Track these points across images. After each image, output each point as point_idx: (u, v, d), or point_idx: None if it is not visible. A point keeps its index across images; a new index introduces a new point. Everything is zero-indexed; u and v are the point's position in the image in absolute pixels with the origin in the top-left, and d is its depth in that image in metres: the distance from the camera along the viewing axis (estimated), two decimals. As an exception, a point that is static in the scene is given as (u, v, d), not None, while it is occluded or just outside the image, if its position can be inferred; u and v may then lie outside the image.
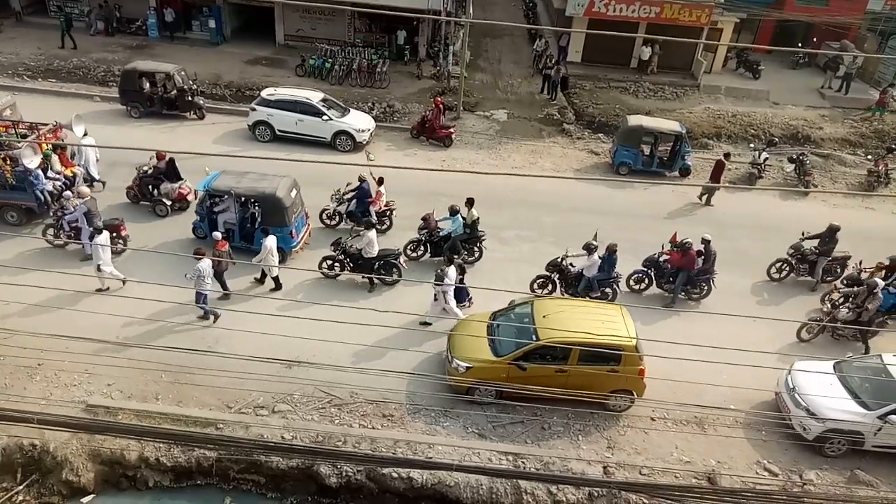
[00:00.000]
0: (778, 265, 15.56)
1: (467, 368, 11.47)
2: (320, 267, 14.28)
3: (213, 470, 10.67)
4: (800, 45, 28.85)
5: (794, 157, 20.72)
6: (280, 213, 14.11)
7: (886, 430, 10.81)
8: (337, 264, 14.29)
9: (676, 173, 20.29)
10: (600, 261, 13.95)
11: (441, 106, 21.28)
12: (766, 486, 10.40)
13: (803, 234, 15.44)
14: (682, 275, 14.20)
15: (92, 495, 10.50)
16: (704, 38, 26.77)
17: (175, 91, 20.87)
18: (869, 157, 22.22)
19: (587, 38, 27.39)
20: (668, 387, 11.44)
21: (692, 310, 14.36)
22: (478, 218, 15.18)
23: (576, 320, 11.56)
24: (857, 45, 29.20)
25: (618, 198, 18.76)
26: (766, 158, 20.37)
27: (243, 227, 14.64)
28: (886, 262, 14.19)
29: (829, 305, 14.10)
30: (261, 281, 14.17)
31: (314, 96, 20.21)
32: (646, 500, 10.04)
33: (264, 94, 20.29)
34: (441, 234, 15.02)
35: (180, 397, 11.42)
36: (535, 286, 14.45)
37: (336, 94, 22.08)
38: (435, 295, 13.11)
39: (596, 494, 10.02)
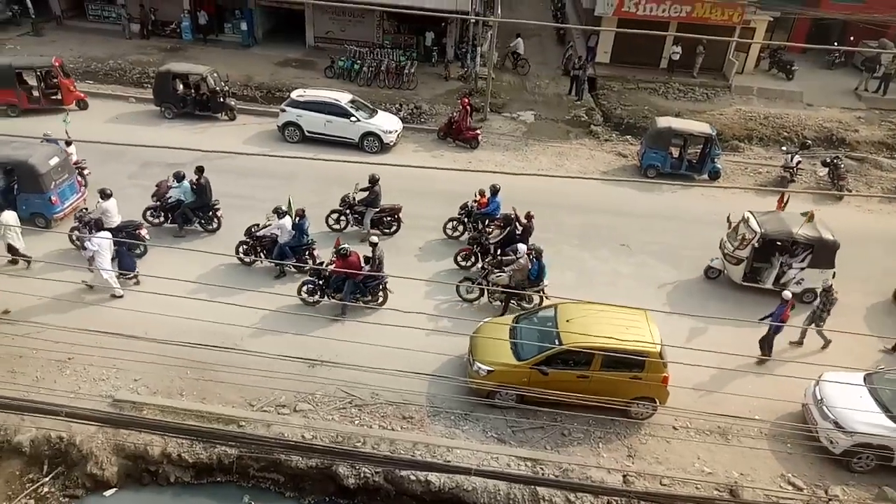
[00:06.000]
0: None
1: (488, 372, 11.46)
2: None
3: (233, 467, 10.88)
4: (835, 43, 28.04)
5: (828, 160, 20.18)
6: (35, 179, 14.68)
7: (919, 445, 10.50)
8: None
9: (706, 177, 19.96)
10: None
11: (468, 107, 21.28)
12: (790, 501, 10.18)
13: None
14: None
15: (114, 489, 10.77)
16: (737, 38, 26.23)
17: (207, 92, 21.30)
18: (908, 161, 21.55)
19: (616, 39, 27.06)
20: (690, 395, 11.27)
21: (711, 317, 14.05)
22: (207, 184, 15.29)
23: (599, 325, 11.46)
24: (896, 44, 28.25)
25: (644, 200, 18.54)
26: (799, 162, 19.91)
27: (6, 194, 15.07)
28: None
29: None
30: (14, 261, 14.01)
31: (343, 98, 20.42)
32: (665, 511, 9.90)
33: (294, 95, 20.57)
34: (171, 201, 15.22)
35: (204, 394, 11.67)
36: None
37: (364, 96, 22.26)
38: (92, 256, 13.08)
39: (615, 503, 9.93)
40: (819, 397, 11.32)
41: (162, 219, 15.62)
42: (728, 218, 15.30)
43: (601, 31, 26.60)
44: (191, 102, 21.36)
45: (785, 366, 12.55)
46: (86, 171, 16.67)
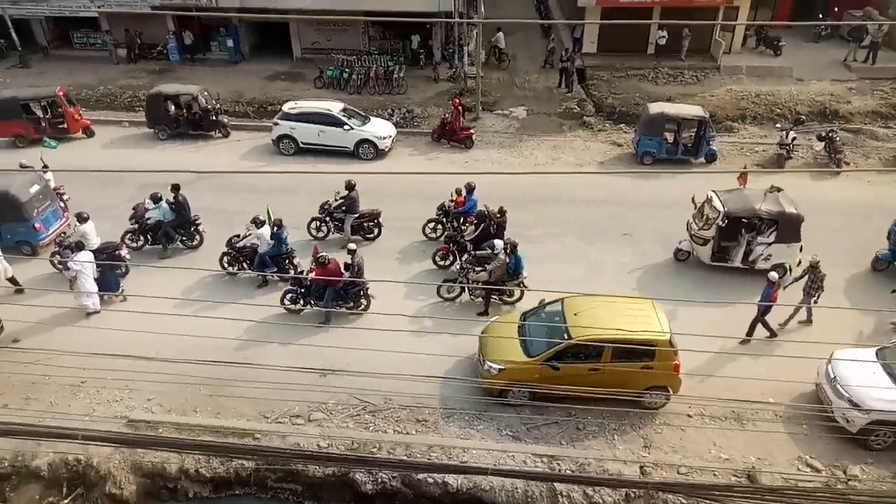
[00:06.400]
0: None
1: (500, 370, 11.47)
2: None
3: (250, 480, 10.94)
4: (820, 16, 27.92)
5: (824, 134, 20.11)
6: (17, 208, 14.78)
7: (936, 418, 10.44)
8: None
9: (703, 160, 19.93)
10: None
11: (460, 107, 21.28)
12: (809, 483, 10.14)
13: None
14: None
15: (134, 508, 10.81)
16: (721, 18, 26.15)
17: (199, 112, 21.35)
18: (903, 129, 21.48)
19: (602, 28, 26.96)
20: (703, 382, 11.25)
21: (714, 301, 14.03)
22: (185, 201, 15.41)
23: (607, 317, 11.39)
24: (881, 12, 28.11)
25: (644, 188, 18.52)
26: (795, 138, 19.85)
27: None
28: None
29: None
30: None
31: (334, 107, 20.45)
32: (684, 501, 9.88)
33: (286, 108, 20.61)
34: (150, 222, 15.25)
35: (218, 409, 11.72)
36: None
37: (355, 103, 22.30)
38: (75, 276, 13.20)
39: (633, 495, 9.92)
40: (832, 376, 11.25)
41: (142, 241, 15.62)
42: (693, 199, 15.28)
43: (583, 23, 26.60)
44: (184, 122, 21.43)
45: (783, 346, 12.55)
46: (65, 197, 16.68)
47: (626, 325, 11.13)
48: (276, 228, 14.31)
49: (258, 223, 14.24)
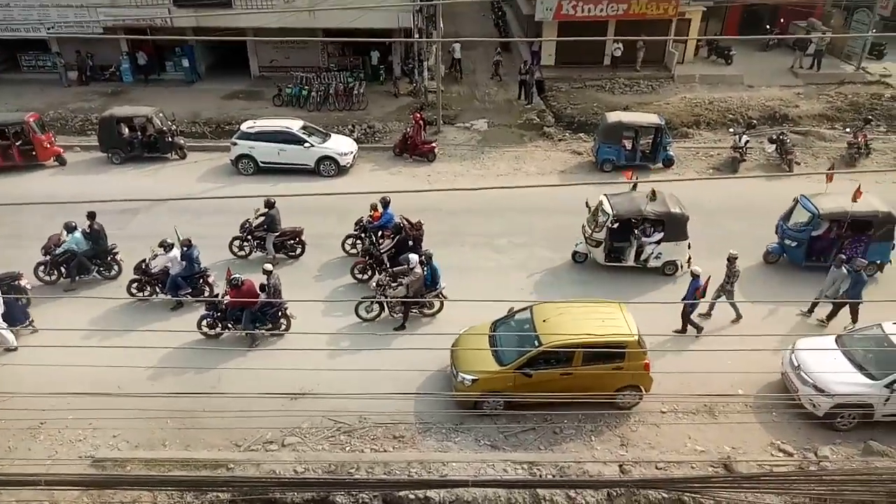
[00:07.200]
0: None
1: (473, 381, 11.42)
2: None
3: (227, 511, 10.55)
4: (768, 27, 29.21)
5: (775, 137, 20.90)
6: None
7: (895, 398, 10.82)
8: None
9: (660, 165, 20.45)
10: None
11: (421, 121, 21.37)
12: (783, 467, 10.38)
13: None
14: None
15: (105, 550, 10.31)
16: (673, 30, 27.05)
17: (154, 133, 20.90)
18: (847, 129, 22.44)
19: (559, 41, 27.60)
20: (674, 379, 11.43)
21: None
22: (101, 229, 14.86)
23: (576, 321, 11.57)
24: (823, 22, 29.56)
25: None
26: (748, 141, 20.56)
27: None
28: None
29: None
30: None
31: (294, 125, 20.28)
32: (665, 495, 9.98)
33: (244, 127, 20.33)
34: (58, 253, 14.59)
35: (188, 441, 11.30)
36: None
37: (315, 121, 22.16)
38: None
39: (615, 494, 9.94)
40: (796, 364, 11.61)
41: (56, 275, 14.81)
42: (587, 202, 15.68)
43: (541, 41, 27.18)
44: (138, 145, 20.93)
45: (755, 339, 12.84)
46: None
47: (595, 329, 11.28)
48: (185, 248, 13.99)
49: (167, 246, 13.86)
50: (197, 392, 11.34)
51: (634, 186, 16.00)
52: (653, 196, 15.04)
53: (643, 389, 11.56)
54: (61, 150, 21.05)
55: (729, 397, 11.70)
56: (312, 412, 11.48)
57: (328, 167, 20.09)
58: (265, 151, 19.91)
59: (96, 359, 10.21)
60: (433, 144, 21.33)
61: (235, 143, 20.06)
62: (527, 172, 20.48)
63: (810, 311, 13.87)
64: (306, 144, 19.86)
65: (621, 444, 11.14)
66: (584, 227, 15.62)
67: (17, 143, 20.24)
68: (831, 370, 11.03)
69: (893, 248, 14.86)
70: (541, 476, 10.36)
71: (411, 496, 10.30)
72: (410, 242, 14.72)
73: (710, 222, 16.59)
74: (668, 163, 20.51)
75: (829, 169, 17.88)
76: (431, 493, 10.28)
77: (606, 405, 11.35)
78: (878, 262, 14.92)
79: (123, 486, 9.84)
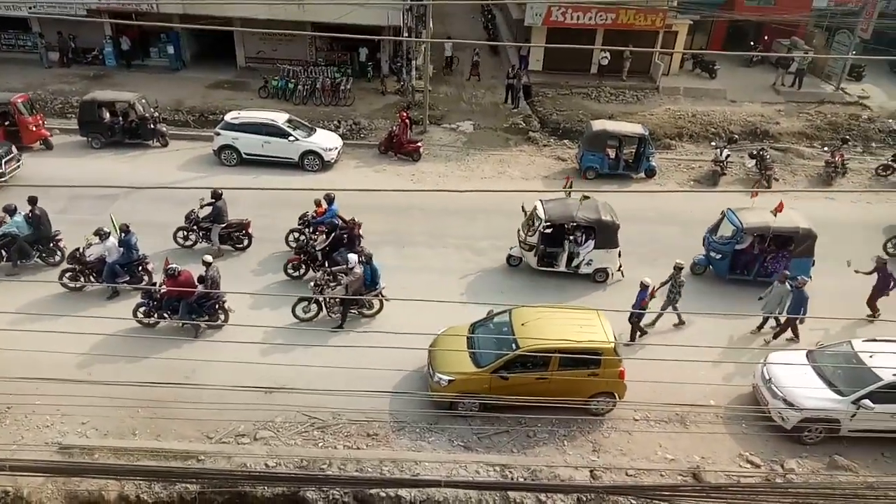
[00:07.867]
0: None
1: (449, 381, 11.44)
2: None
3: (196, 503, 10.41)
4: (752, 43, 29.71)
5: (755, 152, 21.24)
6: None
7: (861, 414, 11.07)
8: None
9: (643, 175, 20.67)
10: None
11: (407, 120, 21.33)
12: (750, 478, 10.56)
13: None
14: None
15: (70, 540, 10.12)
16: (660, 42, 27.38)
17: (136, 119, 20.58)
18: (825, 148, 22.91)
19: (547, 47, 27.78)
20: (648, 387, 11.56)
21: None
22: (43, 215, 14.68)
23: (554, 327, 11.61)
24: (805, 42, 30.15)
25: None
26: (728, 155, 20.85)
27: None
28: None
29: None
30: None
31: (279, 117, 20.11)
32: (634, 501, 10.10)
33: (228, 117, 20.12)
34: (1, 235, 14.37)
35: (158, 431, 11.17)
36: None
37: (301, 114, 22.01)
38: None
39: (585, 499, 10.05)
40: (767, 377, 11.83)
41: None
42: (522, 207, 15.83)
43: (529, 46, 27.32)
44: (119, 131, 20.59)
45: (729, 351, 13.06)
46: None
47: (573, 335, 11.34)
48: (123, 235, 13.82)
49: (102, 235, 13.66)
50: (171, 382, 11.15)
51: (569, 193, 16.17)
52: (584, 198, 15.29)
53: (617, 396, 11.68)
54: (48, 134, 20.59)
55: (701, 407, 11.88)
56: (287, 407, 11.41)
57: (312, 161, 19.98)
58: (249, 143, 19.72)
59: (32, 344, 10.04)
60: (419, 144, 21.31)
61: (219, 134, 19.84)
62: (511, 176, 20.56)
63: (760, 327, 14.17)
64: (291, 138, 19.71)
65: (593, 450, 11.25)
66: (518, 231, 15.75)
67: (5, 124, 19.72)
68: (801, 385, 11.25)
69: (814, 265, 15.04)
70: (512, 479, 10.43)
71: (382, 494, 10.32)
72: (345, 240, 14.56)
73: (688, 233, 16.79)
74: (651, 173, 20.74)
75: (753, 187, 18.30)
76: (403, 493, 10.31)
77: (580, 411, 11.45)
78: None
79: (90, 474, 9.67)
